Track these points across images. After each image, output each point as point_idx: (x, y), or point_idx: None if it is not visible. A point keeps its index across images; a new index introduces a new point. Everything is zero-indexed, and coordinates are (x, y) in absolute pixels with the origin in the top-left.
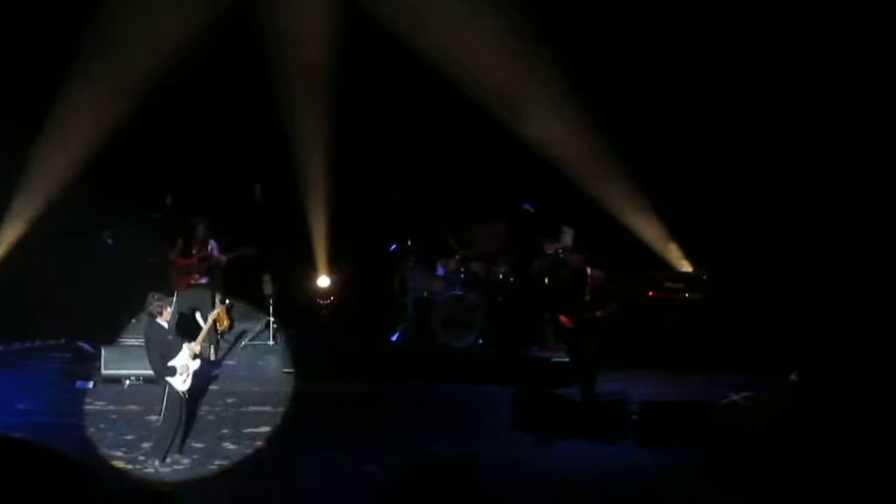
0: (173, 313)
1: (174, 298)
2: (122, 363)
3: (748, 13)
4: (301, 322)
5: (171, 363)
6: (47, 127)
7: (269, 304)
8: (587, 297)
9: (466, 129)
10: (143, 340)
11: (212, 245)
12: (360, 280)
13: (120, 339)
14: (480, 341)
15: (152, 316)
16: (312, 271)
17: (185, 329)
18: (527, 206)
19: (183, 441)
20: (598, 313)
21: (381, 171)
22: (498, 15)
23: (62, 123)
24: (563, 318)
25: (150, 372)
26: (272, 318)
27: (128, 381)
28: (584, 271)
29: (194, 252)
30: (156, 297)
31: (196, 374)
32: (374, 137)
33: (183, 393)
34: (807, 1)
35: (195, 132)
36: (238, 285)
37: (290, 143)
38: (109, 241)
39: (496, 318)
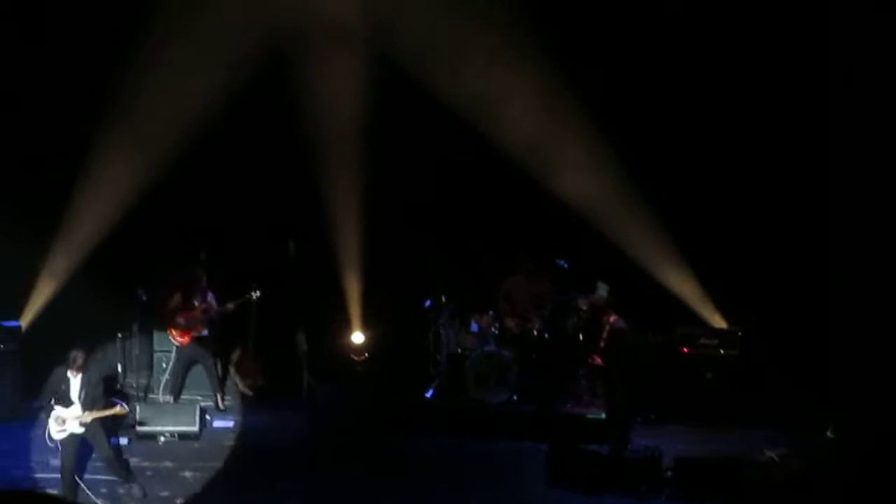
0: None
1: (87, 358)
2: (157, 419)
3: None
4: (335, 378)
5: (56, 406)
6: (82, 183)
7: (304, 361)
8: (602, 344)
9: (502, 185)
10: (172, 397)
11: (210, 296)
12: (393, 336)
13: (154, 396)
14: (514, 397)
15: (67, 364)
16: (346, 327)
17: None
18: (561, 262)
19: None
20: (598, 361)
21: (415, 228)
22: (532, 70)
23: (97, 180)
24: (594, 357)
25: (185, 428)
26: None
27: (163, 438)
28: (603, 314)
29: (196, 304)
30: (76, 352)
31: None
32: (409, 194)
33: (49, 439)
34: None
35: (230, 188)
36: (271, 342)
37: (324, 199)
38: (143, 297)
39: (530, 374)
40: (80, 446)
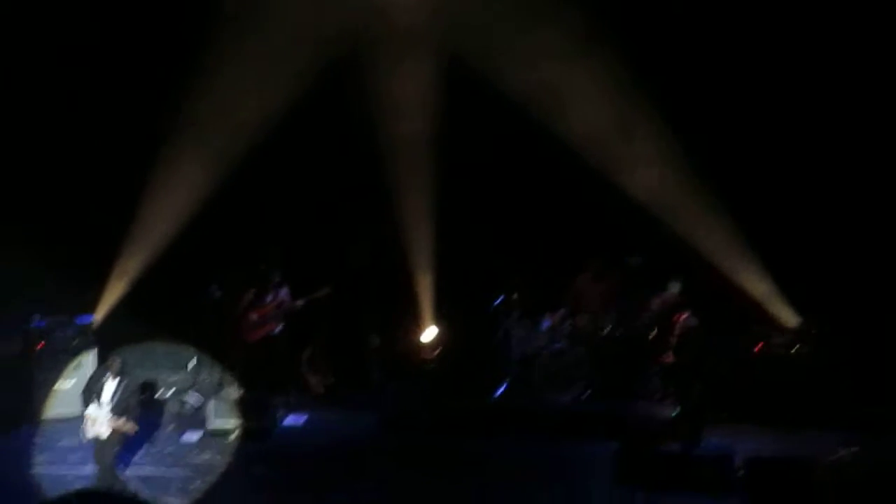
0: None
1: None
2: (229, 416)
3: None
4: (405, 376)
5: (90, 404)
6: (156, 182)
7: (374, 359)
8: (673, 340)
9: (573, 182)
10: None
11: (283, 292)
12: (464, 335)
13: (226, 392)
14: (585, 396)
15: (105, 367)
16: (417, 326)
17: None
18: (633, 260)
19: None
20: (669, 360)
21: (486, 227)
22: (601, 65)
23: (171, 179)
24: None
25: (256, 425)
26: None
27: (234, 434)
28: (674, 312)
29: (269, 300)
30: (114, 356)
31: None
32: (480, 193)
33: (83, 436)
34: None
35: (304, 189)
36: (343, 340)
37: (396, 198)
38: (216, 294)
39: (601, 372)
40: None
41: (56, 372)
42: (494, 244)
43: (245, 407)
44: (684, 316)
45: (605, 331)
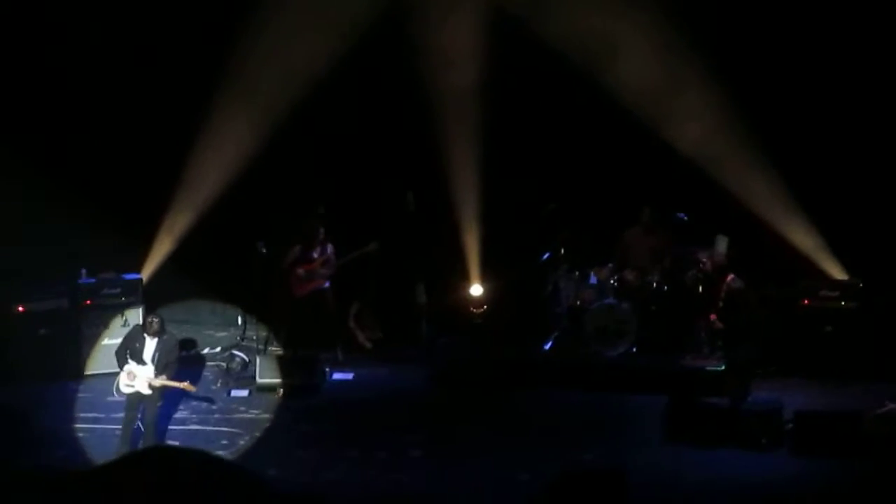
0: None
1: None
2: (276, 372)
3: None
4: (453, 330)
5: (130, 361)
6: (202, 139)
7: (423, 313)
8: (721, 304)
9: (622, 137)
10: (291, 350)
11: (330, 248)
12: (512, 289)
13: (273, 348)
14: (633, 350)
15: (143, 326)
16: (465, 280)
17: (185, 364)
18: (681, 215)
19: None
20: (718, 324)
21: (533, 179)
22: (649, 17)
23: (216, 135)
24: (710, 315)
25: (304, 381)
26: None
27: (281, 390)
28: (722, 277)
29: (315, 256)
30: (152, 317)
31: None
32: (527, 145)
33: (116, 391)
34: None
35: (347, 142)
36: (390, 294)
37: (442, 150)
38: (263, 250)
39: (649, 326)
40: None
41: (103, 328)
42: (542, 197)
43: (292, 363)
44: (730, 277)
45: (654, 285)
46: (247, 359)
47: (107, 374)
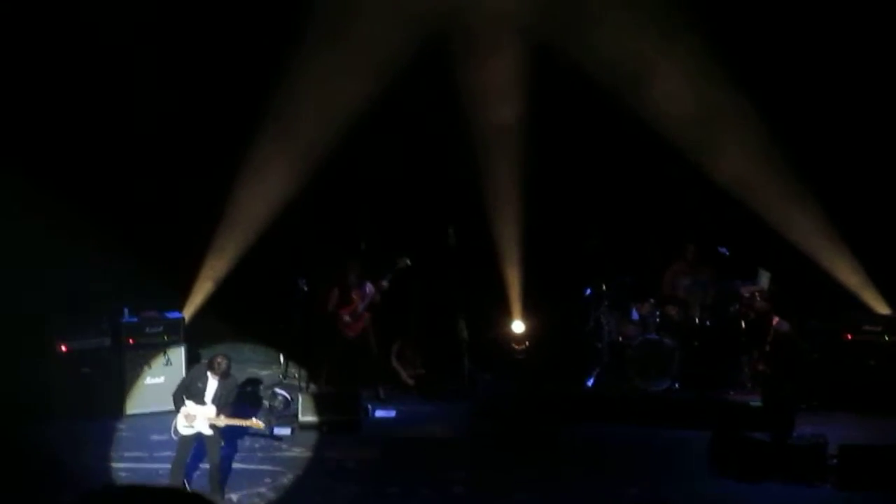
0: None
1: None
2: (318, 409)
3: None
4: (495, 367)
5: (188, 401)
6: (243, 178)
7: (464, 350)
8: (767, 348)
9: (664, 171)
10: (333, 387)
11: (366, 286)
12: (554, 324)
13: (315, 386)
14: (676, 385)
15: (208, 365)
16: (506, 316)
17: (239, 403)
18: (723, 250)
19: (220, 490)
20: (762, 368)
21: (575, 215)
22: (692, 52)
23: (258, 174)
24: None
25: (346, 418)
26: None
27: (324, 428)
28: (768, 321)
29: (354, 297)
30: (221, 358)
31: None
32: (569, 181)
33: (175, 432)
34: None
35: (389, 178)
36: (432, 331)
37: (483, 186)
38: (304, 288)
39: (692, 361)
40: (197, 446)
41: (145, 367)
42: (584, 233)
43: (335, 400)
44: (776, 321)
45: (696, 320)
46: (289, 397)
47: (149, 413)
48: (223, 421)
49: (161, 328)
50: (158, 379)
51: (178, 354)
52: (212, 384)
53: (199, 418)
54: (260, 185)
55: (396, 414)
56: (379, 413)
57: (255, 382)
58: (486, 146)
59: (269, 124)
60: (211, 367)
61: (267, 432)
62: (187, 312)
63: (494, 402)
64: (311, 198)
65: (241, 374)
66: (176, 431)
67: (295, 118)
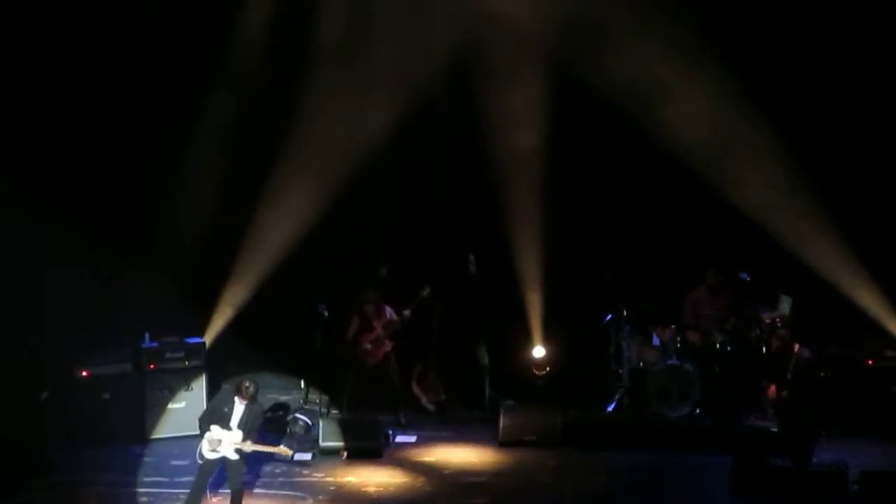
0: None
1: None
2: (339, 435)
3: None
4: (516, 392)
5: (213, 426)
6: (264, 205)
7: (485, 375)
8: (789, 376)
9: (684, 197)
10: (350, 412)
11: (388, 311)
12: (575, 350)
13: (336, 412)
14: (697, 411)
15: (235, 390)
16: (527, 342)
17: (263, 429)
18: (744, 275)
19: None
20: (784, 395)
21: (596, 240)
22: (712, 79)
23: (278, 198)
24: (770, 388)
25: (367, 444)
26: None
27: (345, 454)
28: (790, 349)
29: (375, 324)
30: (249, 383)
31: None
32: (589, 206)
33: (199, 457)
34: None
35: (410, 203)
36: (452, 356)
37: (504, 212)
38: (325, 313)
39: (713, 387)
40: (218, 472)
41: (167, 392)
42: (604, 259)
43: (356, 426)
44: (797, 348)
45: (717, 346)
46: (310, 422)
47: (170, 438)
48: (250, 447)
49: (182, 353)
50: (179, 404)
51: (200, 379)
52: (238, 409)
53: (224, 443)
54: (281, 210)
55: (417, 439)
56: (400, 438)
57: (276, 408)
58: (507, 172)
59: (291, 150)
60: (238, 392)
61: (290, 458)
62: (208, 337)
63: (515, 429)
64: (332, 224)
65: (262, 400)
66: (201, 456)
67: (316, 144)
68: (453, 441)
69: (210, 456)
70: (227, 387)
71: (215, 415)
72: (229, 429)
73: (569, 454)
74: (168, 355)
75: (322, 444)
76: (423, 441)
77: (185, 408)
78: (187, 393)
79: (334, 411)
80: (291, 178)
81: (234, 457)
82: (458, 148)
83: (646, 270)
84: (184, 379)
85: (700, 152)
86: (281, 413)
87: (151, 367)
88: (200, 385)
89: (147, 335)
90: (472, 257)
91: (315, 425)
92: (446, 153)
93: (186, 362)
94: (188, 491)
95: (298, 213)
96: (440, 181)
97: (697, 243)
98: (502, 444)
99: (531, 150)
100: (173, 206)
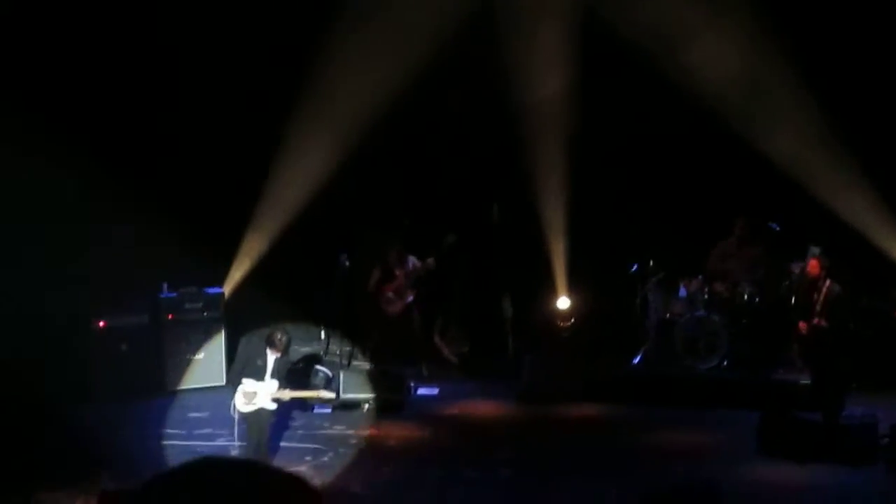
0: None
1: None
2: (361, 387)
3: None
4: (540, 345)
5: (245, 379)
6: (283, 152)
7: (509, 327)
8: (818, 307)
9: (712, 145)
10: (371, 364)
11: (411, 261)
12: (600, 301)
13: (357, 363)
14: (724, 364)
15: (267, 341)
16: (552, 293)
17: (295, 378)
18: (773, 226)
19: None
20: (823, 322)
21: (622, 189)
22: (743, 21)
23: (298, 148)
24: (799, 324)
25: (389, 396)
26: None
27: (366, 406)
28: (820, 278)
29: (397, 273)
30: (280, 333)
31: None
32: (615, 153)
33: (235, 410)
34: None
35: (435, 152)
36: (476, 308)
37: (529, 160)
38: (346, 263)
39: (740, 340)
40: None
41: (185, 343)
42: (630, 207)
43: (377, 378)
44: (828, 284)
45: (745, 297)
46: (330, 374)
47: (191, 389)
48: (288, 394)
49: (200, 304)
50: (198, 356)
51: (219, 330)
52: (271, 359)
53: (260, 394)
54: (301, 159)
55: (440, 392)
56: (422, 391)
57: (296, 359)
58: (532, 118)
59: (311, 97)
60: (271, 344)
61: (335, 403)
62: (227, 288)
63: (539, 382)
64: (354, 172)
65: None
66: (235, 410)
67: (337, 91)
68: (476, 394)
69: (246, 409)
70: (254, 338)
71: (248, 368)
72: (263, 380)
73: (593, 408)
74: (186, 306)
75: (343, 396)
76: (446, 393)
77: (203, 359)
78: (206, 344)
79: (355, 363)
80: (312, 124)
81: (272, 406)
82: (482, 94)
83: (673, 220)
84: (203, 330)
85: (730, 97)
86: (301, 365)
87: (169, 317)
88: (220, 336)
89: (165, 285)
90: (495, 206)
91: (336, 377)
92: (470, 99)
93: (205, 313)
94: (207, 444)
95: (319, 160)
96: (463, 129)
97: (726, 192)
98: (525, 397)
99: (556, 96)
100: (191, 155)
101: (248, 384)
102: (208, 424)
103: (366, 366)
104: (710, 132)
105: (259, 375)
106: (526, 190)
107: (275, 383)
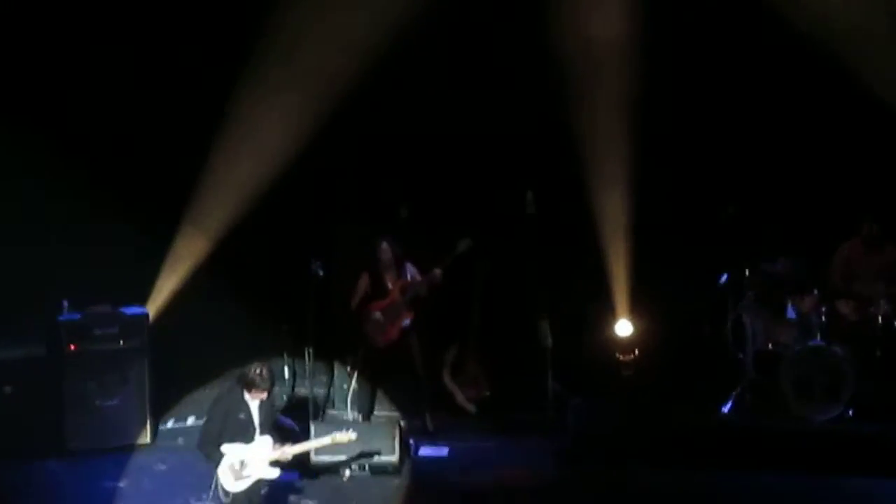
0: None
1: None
2: (342, 445)
3: None
4: (592, 386)
5: (226, 446)
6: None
7: (548, 363)
8: None
9: (828, 114)
10: (360, 414)
11: (409, 270)
12: (675, 326)
13: (335, 412)
14: (850, 413)
15: (244, 386)
16: (607, 315)
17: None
18: None
19: None
20: None
21: (706, 172)
22: None
23: (255, 113)
24: None
25: (380, 458)
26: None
27: (348, 472)
28: None
29: (390, 284)
30: (260, 368)
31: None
32: (696, 124)
33: (224, 494)
34: None
35: (443, 120)
36: (501, 336)
37: (576, 132)
38: (320, 272)
39: (874, 379)
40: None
41: (95, 384)
42: (717, 198)
43: (363, 433)
44: None
45: (880, 320)
46: (296, 428)
47: (101, 449)
48: (290, 451)
49: (116, 329)
50: (112, 401)
51: (141, 365)
52: (255, 409)
53: (251, 463)
54: (256, 131)
55: (450, 453)
56: (426, 451)
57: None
58: (581, 75)
59: (273, 48)
60: (250, 386)
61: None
62: (152, 307)
63: (589, 439)
64: (331, 146)
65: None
66: (224, 493)
67: (305, 46)
68: (501, 455)
69: (238, 487)
70: (227, 388)
71: (227, 430)
72: (252, 440)
73: (665, 475)
74: (96, 331)
75: (314, 459)
76: (459, 455)
77: (119, 406)
78: (123, 386)
79: (332, 411)
80: (273, 83)
81: (272, 474)
82: (511, 40)
83: (778, 216)
84: (119, 365)
85: (856, 51)
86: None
87: (72, 347)
88: (142, 374)
89: (65, 303)
90: (530, 195)
91: (304, 431)
92: (493, 48)
93: (122, 341)
94: None
95: (282, 131)
96: (486, 88)
97: (849, 182)
98: (570, 458)
99: (614, 46)
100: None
101: (232, 452)
102: (125, 498)
103: (347, 415)
104: (826, 95)
105: (245, 435)
106: (572, 172)
107: (268, 440)
